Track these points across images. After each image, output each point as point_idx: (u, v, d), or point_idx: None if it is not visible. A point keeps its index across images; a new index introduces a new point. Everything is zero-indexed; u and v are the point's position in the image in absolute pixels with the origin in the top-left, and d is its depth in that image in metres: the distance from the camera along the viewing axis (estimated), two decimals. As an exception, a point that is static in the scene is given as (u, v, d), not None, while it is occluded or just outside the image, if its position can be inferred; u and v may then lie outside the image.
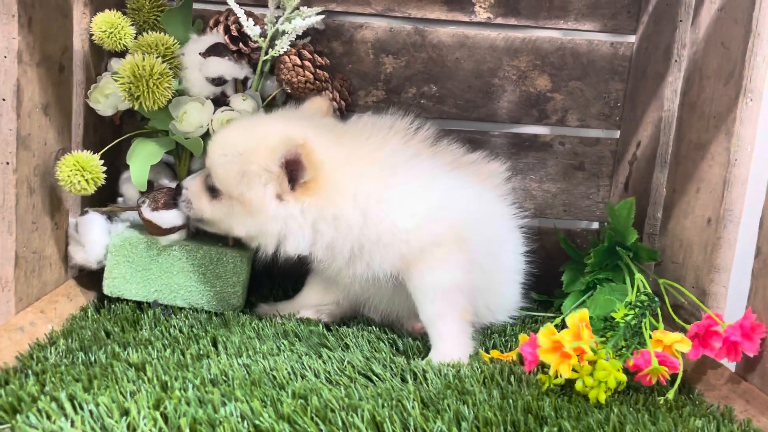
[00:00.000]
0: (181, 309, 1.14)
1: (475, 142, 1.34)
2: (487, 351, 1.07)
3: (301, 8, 1.20)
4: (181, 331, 1.05)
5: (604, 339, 0.94)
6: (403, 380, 0.92)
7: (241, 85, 1.20)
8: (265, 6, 1.23)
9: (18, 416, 0.73)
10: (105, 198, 1.20)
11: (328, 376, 0.91)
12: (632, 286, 1.11)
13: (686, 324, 1.00)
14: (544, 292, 1.33)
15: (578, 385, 0.88)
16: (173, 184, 1.16)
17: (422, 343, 1.08)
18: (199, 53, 1.15)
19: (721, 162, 1.07)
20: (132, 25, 1.11)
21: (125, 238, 1.13)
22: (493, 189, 1.19)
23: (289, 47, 1.19)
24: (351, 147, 1.06)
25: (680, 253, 1.16)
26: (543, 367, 0.94)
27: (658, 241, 1.25)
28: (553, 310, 1.29)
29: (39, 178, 1.02)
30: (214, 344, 1.00)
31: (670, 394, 0.91)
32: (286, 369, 0.91)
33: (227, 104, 1.17)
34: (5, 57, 0.93)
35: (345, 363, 0.96)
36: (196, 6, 1.22)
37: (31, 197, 1.00)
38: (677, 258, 1.17)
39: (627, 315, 0.95)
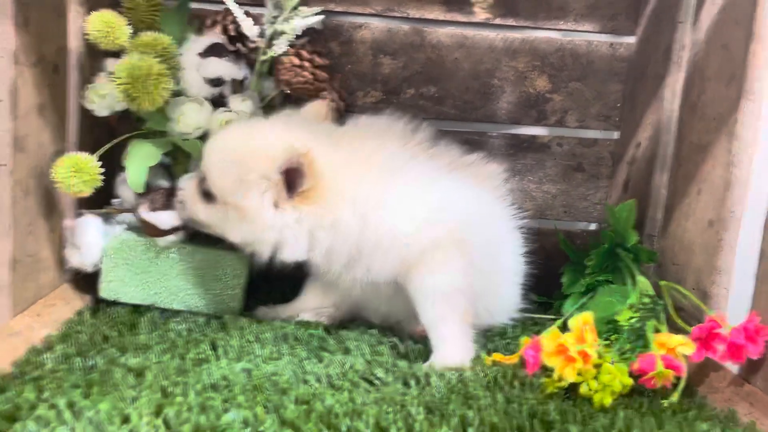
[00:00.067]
0: (178, 312, 1.13)
1: (473, 143, 1.33)
2: (488, 354, 1.06)
3: (299, 8, 1.19)
4: (179, 334, 1.03)
5: (608, 342, 0.93)
6: (406, 384, 0.91)
7: (238, 86, 1.19)
8: (263, 6, 1.21)
9: (16, 424, 0.72)
10: (101, 200, 1.18)
11: (330, 380, 0.90)
12: (633, 288, 1.10)
13: (687, 326, 1.00)
14: (544, 293, 1.32)
15: (582, 389, 0.87)
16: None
17: (423, 347, 1.07)
18: (198, 53, 1.14)
19: (722, 163, 1.07)
20: (127, 24, 1.09)
21: (122, 241, 1.11)
22: (492, 190, 1.18)
23: (287, 47, 1.18)
24: (349, 151, 1.04)
25: (681, 255, 1.16)
26: (546, 370, 0.93)
27: (657, 243, 1.25)
28: (553, 312, 1.28)
29: (34, 180, 1.00)
30: (214, 348, 0.99)
31: (675, 398, 0.91)
32: (287, 374, 0.90)
33: (225, 105, 1.15)
34: (2, 57, 0.91)
35: (346, 367, 0.95)
36: (193, 6, 1.21)
37: (26, 200, 0.99)
38: (678, 260, 1.17)
39: (632, 318, 0.94)
